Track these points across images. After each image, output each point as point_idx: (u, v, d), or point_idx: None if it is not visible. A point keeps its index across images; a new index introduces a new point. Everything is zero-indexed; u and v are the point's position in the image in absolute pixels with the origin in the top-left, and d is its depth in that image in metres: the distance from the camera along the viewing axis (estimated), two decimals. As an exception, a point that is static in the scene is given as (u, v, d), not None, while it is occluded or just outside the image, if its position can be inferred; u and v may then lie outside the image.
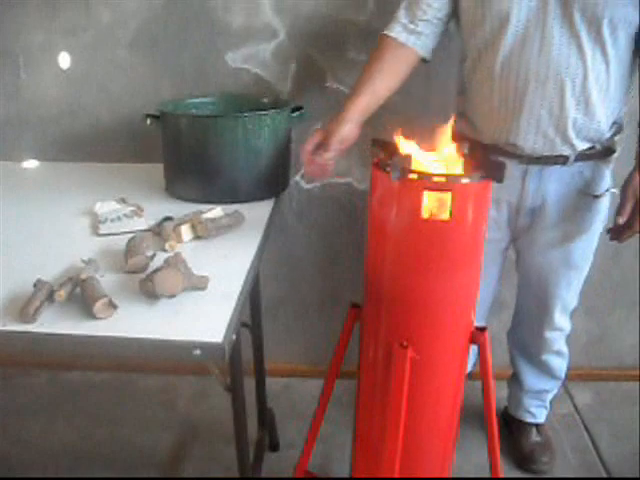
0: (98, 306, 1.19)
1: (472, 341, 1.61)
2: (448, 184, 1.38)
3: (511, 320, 2.26)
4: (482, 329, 1.61)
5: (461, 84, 1.91)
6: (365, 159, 1.64)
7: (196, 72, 2.28)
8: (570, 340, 2.20)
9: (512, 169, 1.71)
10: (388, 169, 1.40)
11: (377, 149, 1.52)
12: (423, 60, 1.81)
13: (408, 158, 1.44)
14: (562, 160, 1.76)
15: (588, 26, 1.60)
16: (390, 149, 1.50)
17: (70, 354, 1.21)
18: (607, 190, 1.85)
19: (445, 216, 1.40)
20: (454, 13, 1.78)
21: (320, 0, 2.08)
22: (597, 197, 1.84)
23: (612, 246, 2.34)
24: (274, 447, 2.29)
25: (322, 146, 1.69)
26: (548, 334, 2.11)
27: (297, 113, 1.91)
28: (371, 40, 1.85)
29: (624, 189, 1.74)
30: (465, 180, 1.39)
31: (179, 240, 1.52)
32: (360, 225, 1.67)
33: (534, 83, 1.66)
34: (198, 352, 1.13)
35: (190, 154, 1.78)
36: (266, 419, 2.23)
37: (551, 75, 1.65)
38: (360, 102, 1.72)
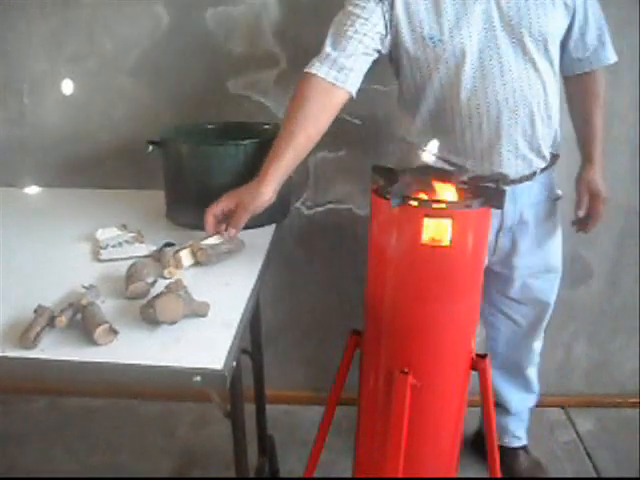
0: (99, 332, 1.19)
1: (472, 368, 1.61)
2: (448, 211, 1.39)
3: (488, 347, 2.20)
4: (483, 356, 1.61)
5: (409, 123, 1.85)
6: (365, 185, 1.64)
7: (198, 99, 2.30)
8: (571, 367, 2.19)
9: None
10: (388, 196, 1.41)
11: (377, 176, 1.53)
12: (350, 98, 1.68)
13: (408, 185, 1.45)
14: (532, 176, 1.81)
15: (537, 45, 1.65)
16: (390, 176, 1.51)
17: (71, 380, 1.21)
18: (558, 193, 1.93)
19: (445, 243, 1.41)
20: (392, 55, 1.75)
21: (322, 30, 2.10)
22: (556, 200, 1.92)
23: (612, 272, 2.36)
24: (274, 474, 2.28)
25: (230, 214, 1.60)
26: (535, 345, 2.14)
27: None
28: (371, 68, 1.87)
29: (578, 185, 1.91)
30: (465, 207, 1.40)
31: (178, 266, 1.52)
32: (361, 251, 1.66)
33: (507, 112, 1.68)
34: (198, 379, 1.12)
35: (191, 181, 1.79)
36: (266, 446, 2.22)
37: (519, 101, 1.67)
38: (282, 166, 1.59)
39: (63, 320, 1.23)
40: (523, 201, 1.83)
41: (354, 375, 1.74)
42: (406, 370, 1.51)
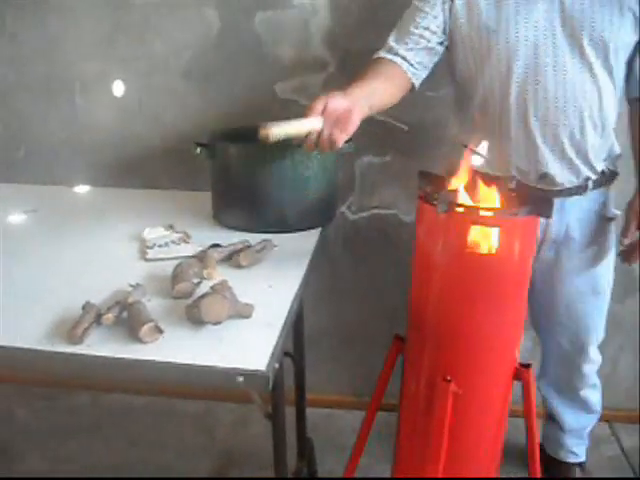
0: (144, 330, 1.20)
1: (516, 377, 1.59)
2: (495, 219, 1.38)
3: (541, 365, 2.18)
4: (527, 365, 1.59)
5: (461, 122, 1.88)
6: (411, 191, 1.64)
7: (246, 102, 2.32)
8: (617, 381, 2.15)
9: None
10: (435, 202, 1.40)
11: (424, 182, 1.52)
12: (412, 89, 1.74)
13: (455, 191, 1.44)
14: (582, 189, 1.77)
15: (596, 51, 1.62)
16: (437, 182, 1.50)
17: (115, 377, 1.22)
18: (614, 213, 1.87)
19: (491, 251, 1.39)
20: (448, 49, 1.77)
21: (370, 35, 2.10)
22: (610, 220, 1.86)
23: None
24: (313, 477, 2.28)
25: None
26: (585, 368, 2.07)
27: (345, 145, 1.92)
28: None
29: (627, 211, 1.82)
30: (512, 215, 1.39)
31: (215, 268, 1.53)
32: (406, 257, 1.66)
33: (554, 112, 1.66)
34: (241, 379, 1.13)
35: (238, 183, 1.80)
36: (305, 449, 2.22)
37: (570, 102, 1.65)
38: (357, 88, 1.54)
39: (110, 317, 1.25)
40: (570, 215, 1.80)
41: (396, 381, 1.74)
42: (449, 378, 1.50)
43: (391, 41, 1.73)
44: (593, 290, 1.91)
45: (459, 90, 1.85)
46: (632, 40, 1.65)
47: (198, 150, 1.86)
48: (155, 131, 2.41)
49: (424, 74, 1.74)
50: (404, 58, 1.70)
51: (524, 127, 1.70)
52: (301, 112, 2.26)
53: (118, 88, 2.38)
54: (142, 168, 2.43)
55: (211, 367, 1.15)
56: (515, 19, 1.62)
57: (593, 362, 2.07)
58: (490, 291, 1.44)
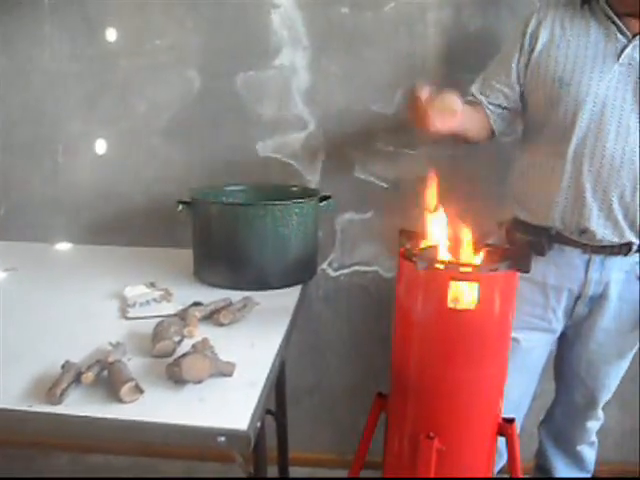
0: (125, 390, 1.19)
1: (500, 433, 1.59)
2: (475, 274, 1.39)
3: (548, 411, 2.18)
4: (510, 420, 1.59)
5: (518, 165, 1.90)
6: (392, 248, 1.65)
7: (227, 160, 2.34)
8: (603, 434, 2.14)
9: (575, 258, 1.76)
10: (414, 259, 1.41)
11: (404, 239, 1.54)
12: (492, 134, 1.87)
13: (434, 248, 1.45)
14: (625, 250, 1.75)
15: None
16: (416, 239, 1.52)
17: (95, 437, 1.22)
18: None
19: (472, 306, 1.40)
20: (523, 94, 1.83)
21: (350, 94, 2.15)
22: None
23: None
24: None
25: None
26: (590, 425, 2.07)
27: (325, 203, 1.95)
28: (400, 132, 1.90)
29: None
30: (491, 270, 1.40)
31: (196, 326, 1.53)
32: (387, 314, 1.66)
33: (608, 169, 1.67)
34: (223, 439, 1.12)
35: (219, 241, 1.81)
36: (288, 509, 2.19)
37: (626, 162, 1.66)
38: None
39: (89, 377, 1.24)
40: (611, 274, 1.78)
41: (379, 439, 1.72)
42: (432, 435, 1.49)
43: (476, 92, 1.85)
44: (619, 354, 1.91)
45: (526, 133, 1.91)
46: None
47: (180, 208, 1.87)
48: (137, 189, 2.42)
49: (503, 125, 1.87)
50: (487, 106, 1.83)
51: (576, 179, 1.71)
52: (281, 170, 2.30)
53: (100, 147, 2.40)
54: (124, 226, 2.43)
55: (192, 427, 1.14)
56: (589, 75, 1.67)
57: (598, 419, 2.07)
58: (471, 346, 1.45)
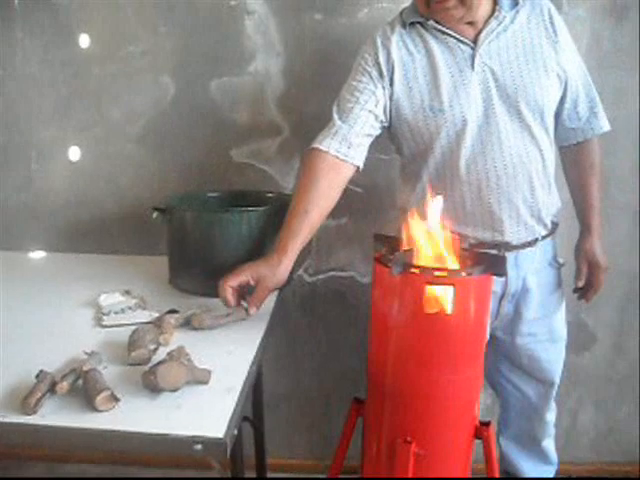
0: (100, 399, 1.19)
1: (476, 436, 1.59)
2: (450, 278, 1.40)
3: (500, 420, 2.15)
4: (487, 423, 1.59)
5: (409, 193, 1.86)
6: (367, 253, 1.66)
7: (202, 167, 2.34)
8: (577, 434, 2.16)
9: None
10: (390, 264, 1.42)
11: (379, 244, 1.54)
12: (357, 171, 1.76)
13: (410, 252, 1.46)
14: (533, 242, 1.81)
15: (533, 114, 1.69)
16: (392, 244, 1.52)
17: (71, 447, 1.20)
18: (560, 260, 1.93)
19: (447, 310, 1.41)
20: (391, 127, 1.80)
21: (324, 100, 2.15)
22: (560, 267, 1.92)
23: (616, 338, 2.36)
24: None
25: (246, 287, 1.62)
26: (548, 417, 2.07)
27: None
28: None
29: (576, 254, 1.93)
30: (466, 274, 1.41)
31: (171, 333, 1.52)
32: (363, 319, 1.67)
33: (506, 179, 1.70)
34: (199, 447, 1.12)
35: (195, 248, 1.80)
36: (267, 515, 2.19)
37: (518, 167, 1.70)
38: (298, 242, 1.64)
39: (64, 386, 1.23)
40: (526, 268, 1.83)
41: (357, 443, 1.73)
42: (409, 439, 1.50)
43: (338, 123, 1.72)
44: (552, 336, 1.94)
45: (408, 163, 1.87)
46: (558, 96, 1.76)
47: (155, 215, 1.86)
48: (111, 196, 2.40)
49: (366, 154, 1.75)
50: (351, 144, 1.70)
51: (477, 199, 1.73)
52: (256, 176, 2.30)
53: (74, 154, 2.38)
54: (98, 233, 2.42)
55: (168, 435, 1.13)
56: (456, 94, 1.68)
57: (554, 410, 2.08)
58: (447, 350, 1.45)
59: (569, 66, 1.75)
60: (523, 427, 2.12)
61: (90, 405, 1.19)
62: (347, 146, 1.70)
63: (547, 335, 1.93)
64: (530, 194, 1.74)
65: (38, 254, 2.26)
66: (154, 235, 1.99)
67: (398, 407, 1.54)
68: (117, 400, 1.21)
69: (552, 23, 1.72)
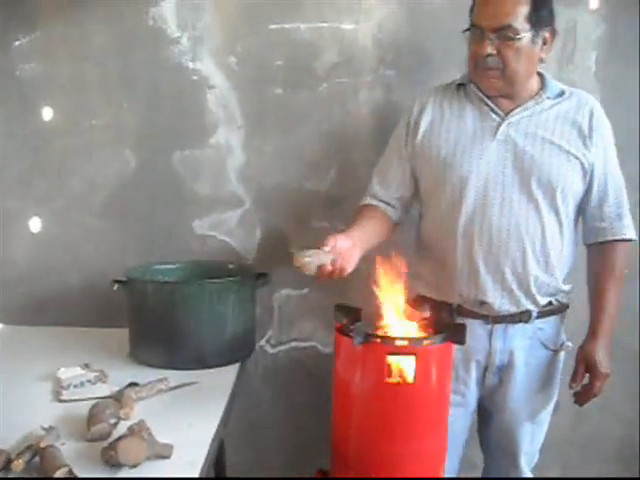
0: (57, 476, 1.16)
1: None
2: (411, 347, 1.41)
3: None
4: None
5: (416, 244, 1.96)
6: (329, 323, 1.67)
7: (164, 238, 2.34)
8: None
9: (478, 329, 1.77)
10: (351, 334, 1.43)
11: (340, 314, 1.55)
12: (395, 226, 1.91)
13: (371, 322, 1.47)
14: (526, 317, 1.80)
15: (544, 192, 1.72)
16: (353, 314, 1.54)
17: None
18: (563, 344, 1.89)
19: (409, 379, 1.42)
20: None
21: (284, 172, 2.19)
22: (556, 351, 1.88)
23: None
24: None
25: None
26: None
27: (261, 280, 1.96)
28: (333, 208, 1.93)
29: (578, 354, 1.84)
30: (427, 343, 1.42)
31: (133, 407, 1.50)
32: (326, 389, 1.66)
33: (497, 242, 1.73)
34: (160, 524, 1.10)
35: (155, 319, 1.80)
36: None
37: (513, 234, 1.72)
38: (360, 234, 1.74)
39: (20, 464, 1.21)
40: (514, 342, 1.82)
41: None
42: (374, 510, 1.48)
43: (376, 187, 1.91)
44: (531, 419, 1.90)
45: (421, 213, 1.95)
46: (580, 188, 1.77)
47: (115, 287, 1.86)
48: (72, 267, 2.39)
49: (403, 213, 1.93)
50: (387, 203, 1.89)
51: (468, 255, 1.76)
52: (218, 247, 2.31)
53: (35, 225, 2.37)
54: (58, 305, 2.39)
55: (128, 513, 1.11)
56: (470, 154, 1.74)
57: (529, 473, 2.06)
58: (410, 420, 1.46)
59: (599, 162, 1.77)
60: None
61: (47, 483, 1.16)
62: (385, 204, 1.90)
63: (527, 414, 1.89)
64: (521, 265, 1.74)
65: (-4, 327, 2.23)
66: (115, 307, 1.97)
67: (362, 477, 1.53)
68: (76, 478, 1.18)
69: (590, 120, 1.76)
